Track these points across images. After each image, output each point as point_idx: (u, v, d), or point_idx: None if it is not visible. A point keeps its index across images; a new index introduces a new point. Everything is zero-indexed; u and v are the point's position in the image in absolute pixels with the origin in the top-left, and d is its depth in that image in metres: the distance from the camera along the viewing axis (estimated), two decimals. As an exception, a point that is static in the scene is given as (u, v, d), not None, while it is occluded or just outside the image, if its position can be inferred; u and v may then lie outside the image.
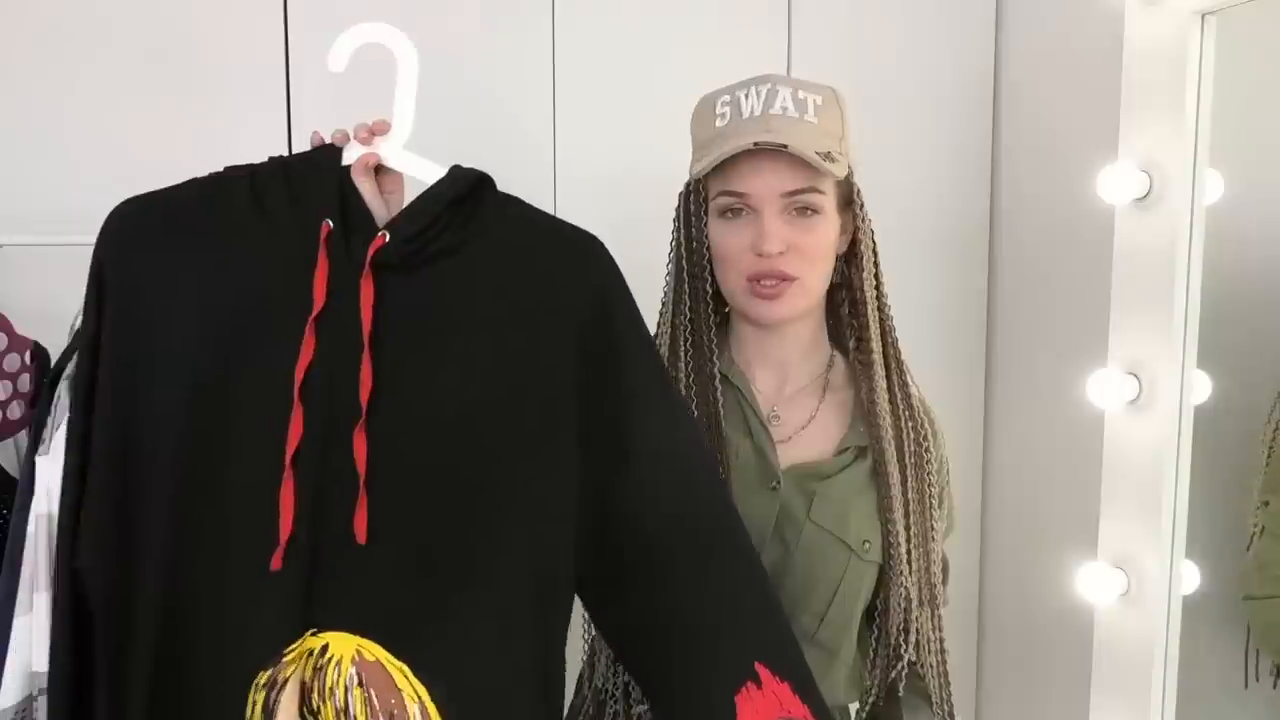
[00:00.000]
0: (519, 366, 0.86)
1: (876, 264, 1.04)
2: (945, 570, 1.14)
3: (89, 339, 0.85)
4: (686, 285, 1.03)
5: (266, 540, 0.80)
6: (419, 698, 0.82)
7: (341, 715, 0.81)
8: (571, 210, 1.61)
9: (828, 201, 0.98)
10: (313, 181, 0.87)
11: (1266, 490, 1.12)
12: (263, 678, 0.80)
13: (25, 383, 1.38)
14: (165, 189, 0.91)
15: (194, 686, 0.83)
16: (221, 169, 0.92)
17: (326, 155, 0.90)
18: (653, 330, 1.08)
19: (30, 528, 1.20)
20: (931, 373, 1.76)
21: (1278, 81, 1.14)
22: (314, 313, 0.82)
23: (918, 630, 1.02)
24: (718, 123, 0.99)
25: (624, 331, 0.89)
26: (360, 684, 0.81)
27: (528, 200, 1.69)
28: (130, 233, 0.87)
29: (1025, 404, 1.71)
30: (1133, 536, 1.11)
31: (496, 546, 0.85)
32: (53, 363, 1.32)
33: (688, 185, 1.04)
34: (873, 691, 1.03)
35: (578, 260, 0.90)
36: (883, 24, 1.69)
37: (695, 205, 1.02)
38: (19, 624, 1.18)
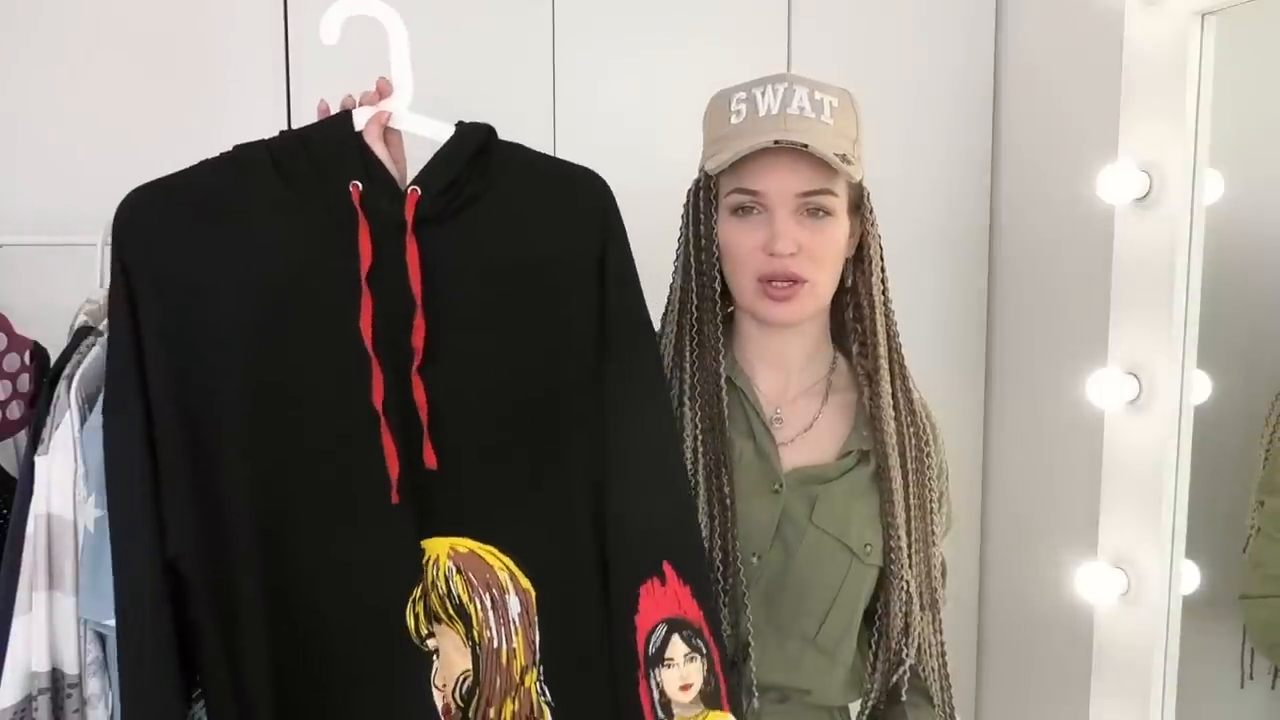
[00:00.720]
0: (548, 293, 0.93)
1: (883, 268, 1.04)
2: (944, 572, 1.14)
3: (126, 339, 0.87)
4: (695, 283, 1.01)
5: (373, 480, 0.89)
6: (507, 567, 0.94)
7: (446, 599, 0.93)
8: (571, 210, 1.62)
9: (840, 204, 0.97)
10: (332, 147, 0.92)
11: (1263, 490, 1.12)
12: (416, 593, 0.92)
13: (25, 383, 1.38)
14: (174, 174, 0.93)
15: (340, 627, 0.91)
16: (231, 148, 0.95)
17: (339, 122, 0.94)
18: (657, 328, 1.08)
19: (30, 528, 1.20)
20: (931, 373, 1.76)
21: (1278, 81, 1.14)
22: (365, 270, 0.87)
23: (919, 634, 1.02)
24: (733, 119, 0.98)
25: (620, 261, 0.97)
26: (459, 570, 0.93)
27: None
28: (149, 222, 0.89)
29: (1025, 404, 1.71)
30: (1133, 536, 1.11)
31: (549, 452, 0.94)
32: (53, 363, 1.32)
33: (697, 182, 1.03)
34: (873, 694, 1.03)
35: (584, 197, 0.97)
36: (883, 24, 1.69)
37: (706, 202, 1.00)
38: (18, 624, 1.18)
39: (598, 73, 1.61)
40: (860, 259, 1.03)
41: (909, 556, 1.01)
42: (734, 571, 0.97)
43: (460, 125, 0.95)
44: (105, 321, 1.32)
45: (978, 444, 1.78)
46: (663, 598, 0.92)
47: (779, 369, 1.05)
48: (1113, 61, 1.12)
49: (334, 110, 0.95)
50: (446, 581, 0.93)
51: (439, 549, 0.93)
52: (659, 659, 0.91)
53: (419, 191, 0.90)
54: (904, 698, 1.03)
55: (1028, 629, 1.69)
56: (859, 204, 1.01)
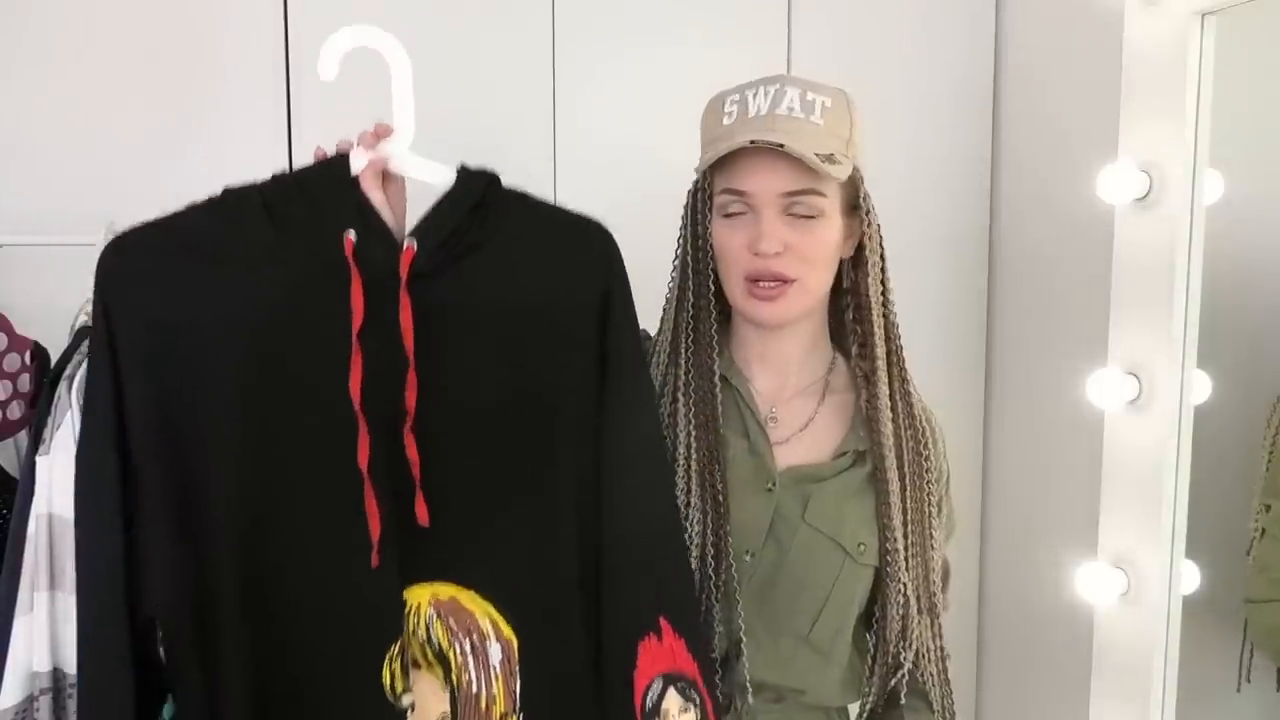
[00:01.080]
0: (548, 341, 0.92)
1: (884, 269, 1.03)
2: (946, 575, 1.13)
3: (105, 388, 0.84)
4: (691, 283, 1.02)
5: (356, 542, 0.87)
6: (490, 615, 0.93)
7: (426, 645, 0.92)
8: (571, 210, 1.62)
9: (829, 204, 0.97)
10: (327, 193, 0.88)
11: (1268, 494, 1.12)
12: (394, 648, 0.90)
13: (25, 383, 1.38)
14: (163, 217, 0.90)
15: (315, 686, 0.89)
16: (220, 188, 0.91)
17: (335, 166, 0.90)
18: (655, 329, 1.08)
19: (30, 528, 1.20)
20: (931, 373, 1.76)
21: (1278, 81, 1.14)
22: (357, 327, 0.84)
23: (917, 638, 1.02)
24: (725, 120, 0.99)
25: (624, 308, 0.96)
26: (440, 616, 0.91)
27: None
28: (133, 266, 0.86)
29: (1025, 404, 1.71)
30: (1133, 536, 1.11)
31: (542, 502, 0.93)
32: (53, 363, 1.32)
33: (696, 183, 1.03)
34: (871, 697, 1.03)
35: (588, 246, 0.95)
36: (883, 24, 1.69)
37: (701, 203, 1.02)
38: (19, 624, 1.18)
39: (598, 73, 1.61)
40: (859, 260, 1.03)
41: (906, 559, 1.01)
42: (726, 568, 0.97)
43: (462, 171, 0.92)
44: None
45: (978, 444, 1.78)
46: (659, 653, 0.92)
47: (775, 369, 1.05)
48: (1112, 62, 1.12)
49: (331, 154, 0.91)
50: (427, 628, 0.92)
51: (421, 596, 0.91)
52: (655, 712, 0.91)
53: (415, 247, 0.87)
54: (903, 701, 1.03)
55: (1028, 629, 1.69)
56: (855, 204, 1.01)
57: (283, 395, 0.86)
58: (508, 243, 0.92)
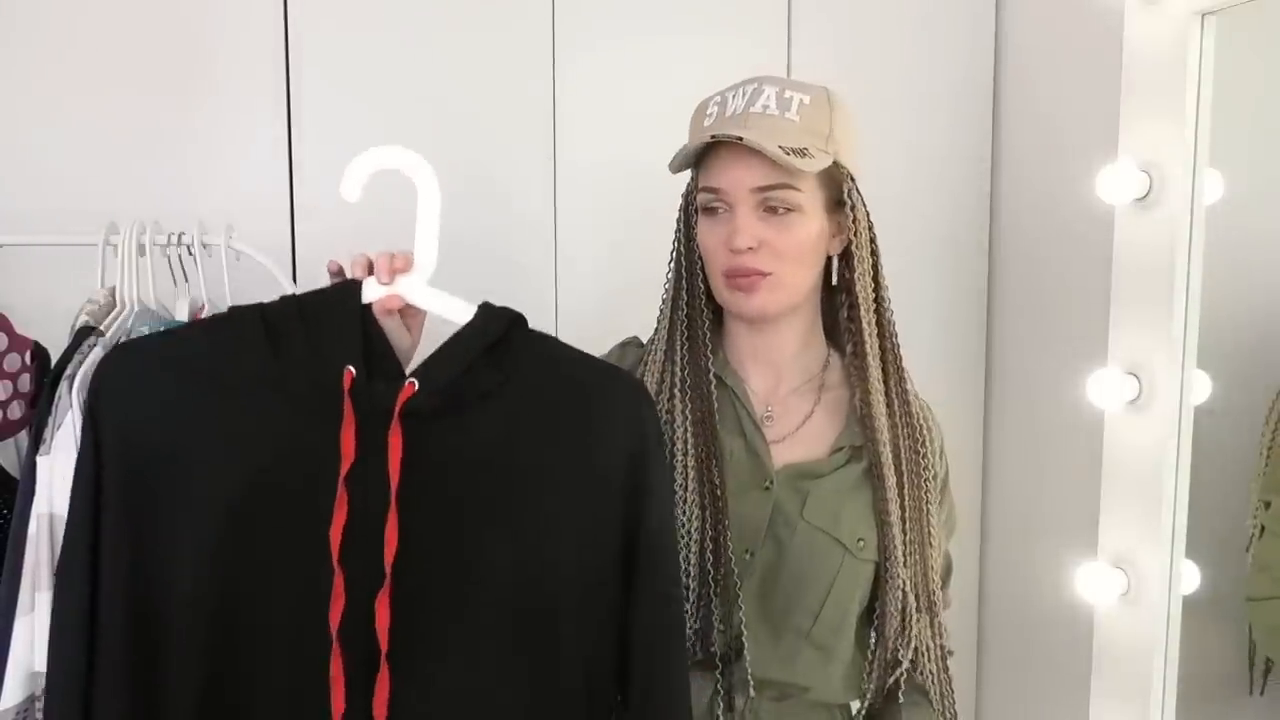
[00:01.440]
0: (561, 505, 0.84)
1: (875, 265, 1.03)
2: (948, 573, 1.14)
3: (84, 505, 0.80)
4: (684, 284, 1.03)
5: (319, 708, 0.78)
6: None
7: None
8: (571, 211, 1.62)
9: (806, 199, 0.97)
10: (331, 322, 0.83)
11: (1268, 491, 1.12)
12: None
13: (25, 383, 1.38)
14: (163, 333, 0.88)
15: None
16: (227, 309, 0.87)
17: (344, 293, 0.85)
18: (647, 335, 1.09)
19: (31, 528, 1.20)
20: (931, 373, 1.76)
21: (1278, 81, 1.14)
22: (345, 469, 0.78)
23: (916, 635, 1.02)
24: (705, 121, 1.01)
25: (656, 472, 0.87)
26: None
27: (528, 201, 1.70)
28: (128, 379, 0.81)
29: (1025, 404, 1.71)
30: (1133, 536, 1.11)
31: (544, 678, 0.84)
32: (53, 363, 1.32)
33: (687, 186, 1.05)
34: (869, 694, 1.04)
35: (615, 403, 0.87)
36: (883, 24, 1.69)
37: (690, 204, 1.03)
38: (20, 624, 1.18)
39: (598, 73, 1.61)
40: (847, 256, 1.03)
41: (904, 556, 1.01)
42: (726, 566, 0.97)
43: (483, 308, 0.85)
44: (106, 322, 1.33)
45: (978, 444, 1.78)
46: None
47: (770, 367, 1.06)
48: (1112, 61, 1.12)
49: (346, 269, 0.86)
50: None
51: None
52: None
53: (415, 385, 0.80)
54: (901, 699, 1.03)
55: (1028, 629, 1.69)
56: (840, 200, 1.00)
57: (262, 534, 0.80)
58: (524, 391, 0.84)
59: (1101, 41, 1.22)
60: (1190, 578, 1.10)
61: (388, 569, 0.78)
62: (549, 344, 0.89)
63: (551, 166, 1.62)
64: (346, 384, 0.79)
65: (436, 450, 0.81)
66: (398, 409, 0.79)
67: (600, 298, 1.62)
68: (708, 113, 1.01)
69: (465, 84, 1.60)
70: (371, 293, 0.84)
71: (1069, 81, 1.55)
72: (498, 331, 0.84)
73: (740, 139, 0.92)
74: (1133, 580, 1.11)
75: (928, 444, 1.05)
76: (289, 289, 1.40)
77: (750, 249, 0.96)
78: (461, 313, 0.84)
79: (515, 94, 1.61)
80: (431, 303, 0.85)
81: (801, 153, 0.93)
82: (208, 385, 0.81)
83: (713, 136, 0.93)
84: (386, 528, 0.78)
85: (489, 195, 1.61)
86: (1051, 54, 1.62)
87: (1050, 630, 1.56)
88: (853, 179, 1.01)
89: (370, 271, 0.85)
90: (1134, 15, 1.09)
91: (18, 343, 1.37)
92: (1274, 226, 1.15)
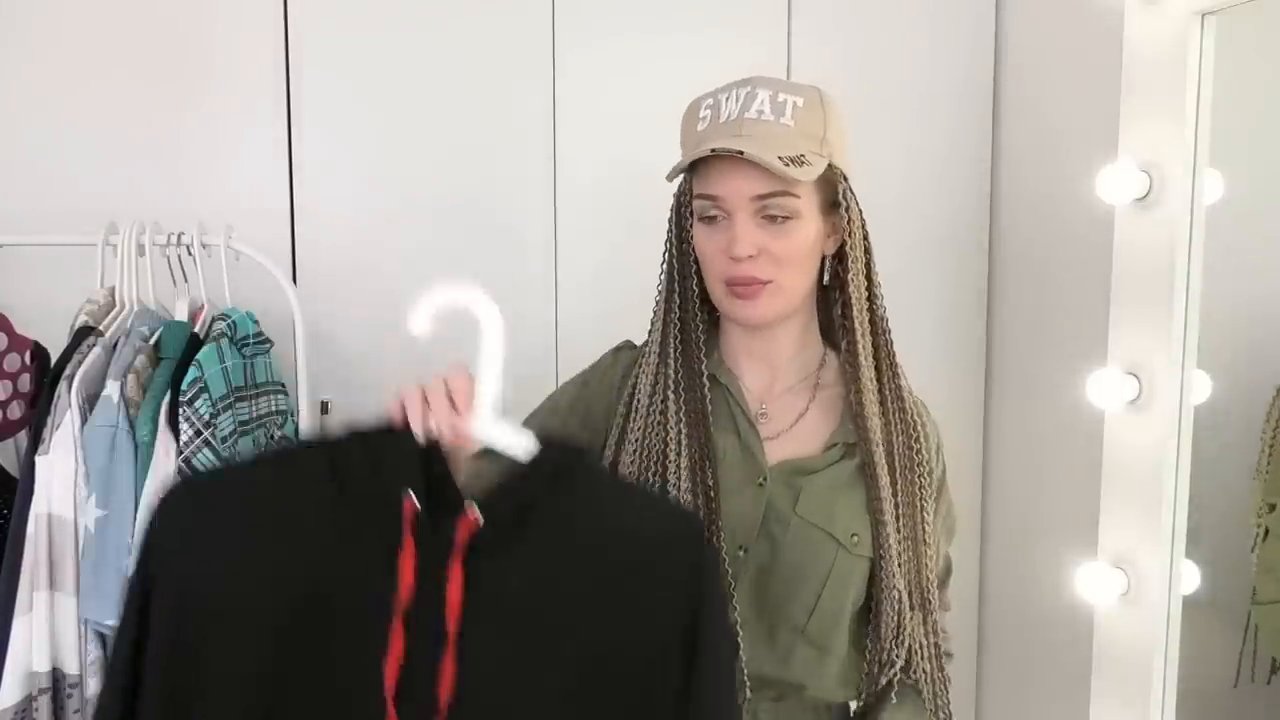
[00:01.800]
0: (612, 653, 0.82)
1: (868, 263, 1.03)
2: (947, 573, 1.13)
3: (130, 637, 0.79)
4: (677, 287, 1.04)
5: None
6: None
7: None
8: (571, 210, 1.62)
9: (804, 205, 0.97)
10: (393, 455, 0.82)
11: (1271, 492, 1.12)
12: None
13: (25, 383, 1.38)
14: (224, 467, 0.87)
15: None
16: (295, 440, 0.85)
17: (403, 440, 0.84)
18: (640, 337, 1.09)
19: (30, 528, 1.20)
20: (932, 373, 1.76)
21: (1278, 81, 1.14)
22: (402, 606, 0.78)
23: (910, 634, 1.01)
24: (699, 125, 1.00)
25: (713, 626, 0.85)
26: None
27: (528, 203, 1.70)
28: (185, 512, 0.82)
29: (1025, 404, 1.71)
30: (1133, 536, 1.11)
31: None
32: (53, 363, 1.32)
33: (679, 188, 1.05)
34: (863, 692, 1.03)
35: (676, 546, 0.85)
36: (883, 24, 1.69)
37: (684, 208, 1.03)
38: (19, 624, 1.19)
39: (598, 72, 1.61)
40: (841, 255, 1.03)
41: (899, 553, 1.01)
42: (720, 567, 0.97)
43: (546, 442, 0.84)
44: (105, 322, 1.33)
45: (978, 444, 1.78)
46: None
47: (765, 366, 1.06)
48: (1113, 61, 1.12)
49: (408, 405, 0.84)
50: None
51: None
52: None
53: (477, 519, 0.79)
54: (893, 699, 1.03)
55: (1028, 629, 1.69)
56: (835, 201, 1.01)
57: (312, 666, 0.79)
58: (586, 525, 0.83)
59: (1101, 41, 1.22)
60: (1190, 578, 1.10)
61: (444, 706, 0.77)
62: (610, 481, 0.90)
63: (551, 166, 1.62)
64: (407, 516, 0.79)
65: (494, 584, 0.80)
66: (461, 539, 0.79)
67: (600, 297, 1.62)
68: (700, 115, 1.00)
69: (465, 84, 1.60)
70: (433, 425, 0.83)
71: (1069, 81, 1.55)
72: (562, 464, 0.84)
73: (741, 153, 0.92)
74: (1133, 580, 1.11)
75: (922, 441, 1.05)
76: (288, 289, 1.41)
77: (750, 257, 0.96)
78: (524, 449, 0.83)
79: (515, 94, 1.61)
80: (494, 438, 0.84)
81: (799, 161, 0.93)
82: (265, 520, 0.81)
83: (712, 150, 0.93)
84: (443, 668, 0.77)
85: (489, 195, 1.61)
86: (1051, 54, 1.62)
87: (1050, 630, 1.56)
88: (846, 178, 1.01)
89: (430, 401, 0.84)
90: (1134, 15, 1.09)
91: (18, 343, 1.37)
92: (1274, 226, 1.15)
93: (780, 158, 0.92)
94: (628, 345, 1.12)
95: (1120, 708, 1.13)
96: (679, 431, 1.00)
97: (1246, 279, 1.16)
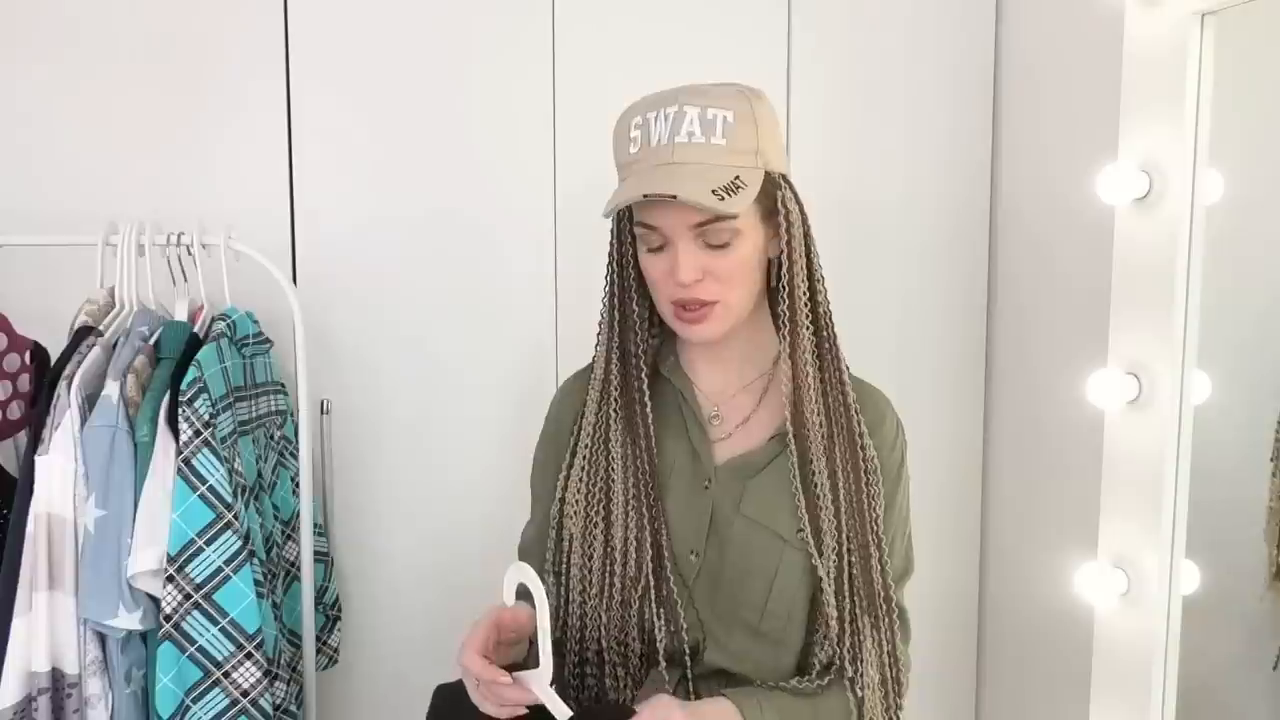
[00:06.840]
0: None
1: (809, 261, 1.02)
2: (905, 574, 1.10)
3: None
4: (617, 307, 1.04)
5: None
6: None
7: None
8: (570, 210, 1.62)
9: (744, 222, 0.97)
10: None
11: None
12: None
13: (25, 383, 1.38)
14: None
15: None
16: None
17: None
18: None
19: (30, 528, 1.20)
20: (931, 373, 1.77)
21: (1278, 81, 1.14)
22: None
23: (855, 642, 0.99)
24: (631, 148, 0.99)
25: None
26: None
27: (528, 203, 1.69)
28: None
29: (1025, 404, 1.71)
30: (1133, 536, 1.11)
31: None
32: (52, 363, 1.32)
33: (619, 211, 1.03)
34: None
35: None
36: (883, 24, 1.69)
37: (623, 232, 1.03)
38: (18, 624, 1.18)
39: (598, 73, 1.61)
40: (784, 255, 1.02)
41: (843, 551, 0.99)
42: (666, 571, 0.98)
43: (580, 705, 0.91)
44: (105, 322, 1.33)
45: (978, 444, 1.78)
46: None
47: (720, 368, 1.07)
48: (1112, 61, 1.12)
49: (476, 671, 0.91)
50: None
51: None
52: None
53: None
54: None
55: (1028, 629, 1.69)
56: (773, 209, 1.00)
57: None
58: None
59: (1101, 41, 1.22)
60: (1190, 578, 1.10)
61: None
62: None
63: (551, 167, 1.62)
64: None
65: None
66: None
67: (600, 297, 1.62)
68: (631, 136, 0.99)
69: (465, 85, 1.60)
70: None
71: (1069, 81, 1.55)
72: None
73: (674, 197, 0.91)
74: (1133, 580, 1.11)
75: (861, 436, 1.02)
76: (288, 289, 1.41)
77: (696, 280, 0.97)
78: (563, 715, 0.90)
79: (516, 95, 1.61)
80: (548, 700, 0.90)
81: (733, 188, 0.92)
82: None
83: (645, 195, 0.92)
84: None
85: (490, 195, 1.61)
86: (1051, 54, 1.62)
87: (1050, 630, 1.56)
88: (785, 180, 1.00)
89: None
90: (1134, 16, 1.09)
91: (17, 343, 1.37)
92: (1274, 226, 1.15)
93: (715, 190, 0.91)
94: (571, 377, 1.14)
95: (1120, 707, 1.13)
96: (623, 445, 1.02)
97: (1246, 279, 1.16)
